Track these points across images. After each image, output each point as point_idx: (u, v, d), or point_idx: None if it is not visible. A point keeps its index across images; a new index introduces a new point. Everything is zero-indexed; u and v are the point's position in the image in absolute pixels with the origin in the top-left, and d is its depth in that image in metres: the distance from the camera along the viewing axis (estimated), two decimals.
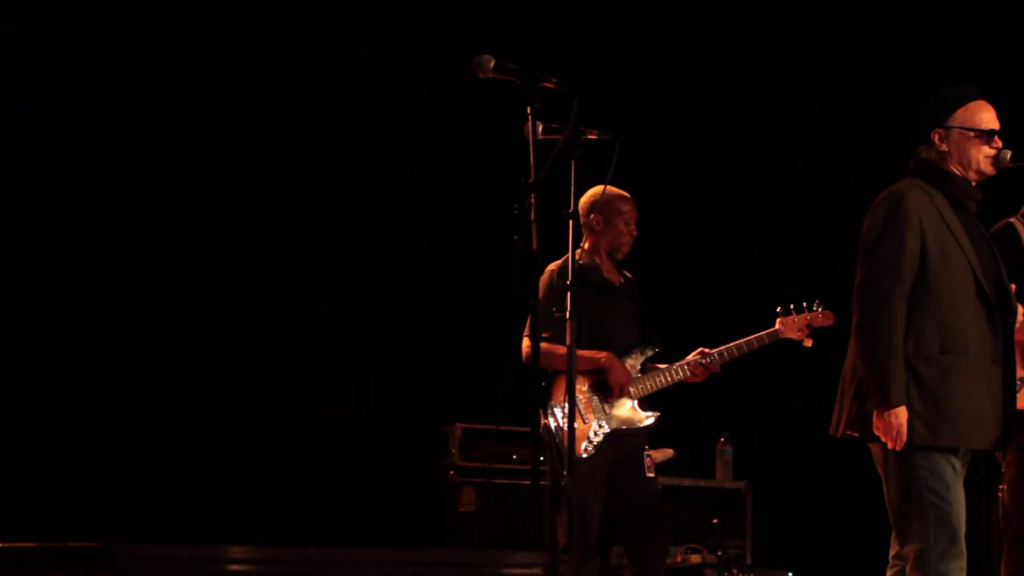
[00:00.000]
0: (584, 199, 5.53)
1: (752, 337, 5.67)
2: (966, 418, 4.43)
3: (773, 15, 8.05)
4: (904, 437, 4.37)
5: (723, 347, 5.66)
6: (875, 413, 4.41)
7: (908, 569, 4.43)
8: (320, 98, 7.45)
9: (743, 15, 8.11)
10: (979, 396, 4.45)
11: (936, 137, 4.59)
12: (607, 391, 5.53)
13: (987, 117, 4.61)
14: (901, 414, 4.37)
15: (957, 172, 4.59)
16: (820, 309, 5.71)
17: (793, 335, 5.70)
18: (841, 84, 7.87)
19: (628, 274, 5.81)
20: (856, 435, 4.54)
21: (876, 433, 4.43)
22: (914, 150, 4.63)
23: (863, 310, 4.48)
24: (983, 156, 4.58)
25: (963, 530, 4.41)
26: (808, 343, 5.70)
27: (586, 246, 5.63)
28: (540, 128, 4.39)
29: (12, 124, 6.66)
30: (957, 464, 4.46)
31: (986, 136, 4.57)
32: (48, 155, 6.79)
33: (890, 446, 4.40)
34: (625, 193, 5.65)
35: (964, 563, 4.40)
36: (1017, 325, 4.64)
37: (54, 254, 6.75)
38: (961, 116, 4.59)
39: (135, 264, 6.94)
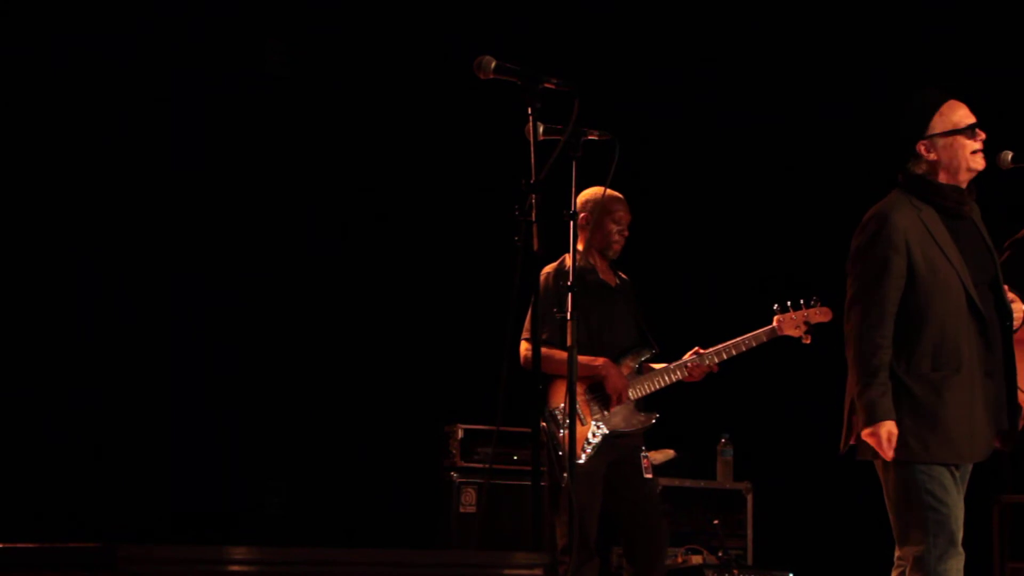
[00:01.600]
0: (578, 199, 5.51)
1: (749, 336, 5.66)
2: (960, 433, 4.44)
3: (773, 15, 8.04)
4: (893, 445, 4.39)
5: (719, 346, 5.65)
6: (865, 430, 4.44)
7: (908, 571, 4.45)
8: (320, 98, 7.45)
9: (743, 15, 8.11)
10: (971, 410, 4.46)
11: (923, 149, 4.56)
12: (604, 396, 5.52)
13: (963, 114, 4.59)
14: (887, 426, 4.39)
15: (946, 181, 4.57)
16: (818, 305, 5.69)
17: (791, 332, 5.68)
18: (841, 84, 7.86)
19: (623, 275, 5.79)
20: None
21: (869, 444, 4.46)
22: (903, 167, 4.61)
23: (849, 331, 4.50)
24: (969, 152, 4.56)
25: (961, 533, 4.44)
26: (807, 340, 5.68)
27: (580, 247, 5.60)
28: (541, 129, 4.39)
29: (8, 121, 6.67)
30: (957, 473, 4.48)
31: (969, 132, 4.56)
32: (47, 155, 6.79)
33: (885, 458, 4.42)
34: (617, 194, 5.62)
35: (962, 564, 4.43)
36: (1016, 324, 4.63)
37: (53, 253, 6.75)
38: (939, 122, 4.56)
39: (135, 263, 6.94)
